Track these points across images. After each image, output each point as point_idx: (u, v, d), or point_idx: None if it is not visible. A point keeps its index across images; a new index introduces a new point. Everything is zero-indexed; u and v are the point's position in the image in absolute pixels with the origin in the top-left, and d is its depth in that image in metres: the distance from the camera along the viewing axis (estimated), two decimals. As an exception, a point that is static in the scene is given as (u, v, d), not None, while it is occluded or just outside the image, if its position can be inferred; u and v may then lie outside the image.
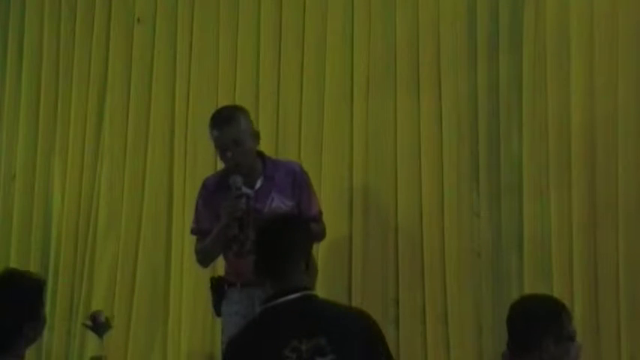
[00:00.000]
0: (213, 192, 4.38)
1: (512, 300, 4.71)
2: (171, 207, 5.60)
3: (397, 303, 5.00)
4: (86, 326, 4.34)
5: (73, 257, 5.80)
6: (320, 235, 4.44)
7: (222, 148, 4.27)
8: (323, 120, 5.30)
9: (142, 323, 5.56)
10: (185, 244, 5.47)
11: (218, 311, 4.42)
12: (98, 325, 4.31)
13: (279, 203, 4.29)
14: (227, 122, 4.27)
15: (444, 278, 4.95)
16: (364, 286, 5.05)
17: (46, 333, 5.15)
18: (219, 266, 4.67)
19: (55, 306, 5.67)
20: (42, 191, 5.95)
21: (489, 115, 4.95)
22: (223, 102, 5.51)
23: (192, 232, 4.49)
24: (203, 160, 5.53)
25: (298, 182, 4.36)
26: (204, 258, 4.47)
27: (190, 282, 5.45)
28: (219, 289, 4.41)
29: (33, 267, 5.52)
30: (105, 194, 5.77)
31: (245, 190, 4.21)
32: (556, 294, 4.39)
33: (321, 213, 4.46)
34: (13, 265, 5.50)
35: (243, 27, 5.54)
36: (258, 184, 4.29)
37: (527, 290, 4.69)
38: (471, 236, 4.93)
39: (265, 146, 4.61)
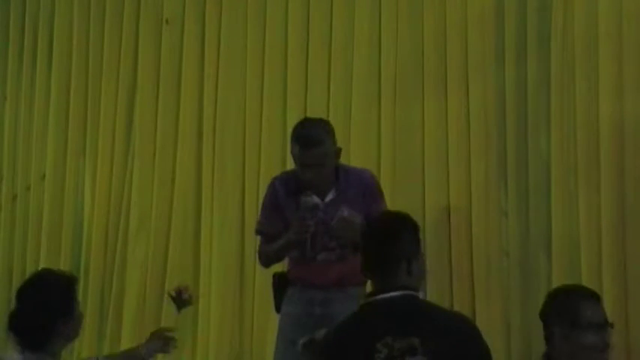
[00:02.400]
0: (282, 195, 4.23)
1: (540, 300, 4.77)
2: (199, 207, 5.64)
3: (425, 303, 4.99)
4: (169, 296, 4.33)
5: (103, 258, 5.85)
6: None
7: (302, 164, 4.10)
8: (350, 121, 5.31)
9: (171, 323, 5.57)
10: (213, 243, 5.52)
11: (278, 308, 4.31)
12: (180, 300, 4.28)
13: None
14: (313, 145, 4.04)
15: (472, 278, 4.95)
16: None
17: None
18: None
19: (85, 306, 5.67)
20: (72, 192, 6.01)
21: (517, 116, 4.94)
22: (251, 103, 5.55)
23: (257, 232, 4.37)
24: (231, 161, 5.57)
25: (368, 193, 4.22)
26: (266, 261, 4.36)
27: (219, 281, 5.48)
28: (281, 285, 4.31)
29: (63, 267, 5.49)
30: (135, 194, 5.81)
31: (315, 199, 4.09)
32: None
33: None
34: (43, 265, 5.56)
35: (271, 28, 5.57)
36: (330, 197, 4.14)
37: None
38: (499, 236, 4.92)
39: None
